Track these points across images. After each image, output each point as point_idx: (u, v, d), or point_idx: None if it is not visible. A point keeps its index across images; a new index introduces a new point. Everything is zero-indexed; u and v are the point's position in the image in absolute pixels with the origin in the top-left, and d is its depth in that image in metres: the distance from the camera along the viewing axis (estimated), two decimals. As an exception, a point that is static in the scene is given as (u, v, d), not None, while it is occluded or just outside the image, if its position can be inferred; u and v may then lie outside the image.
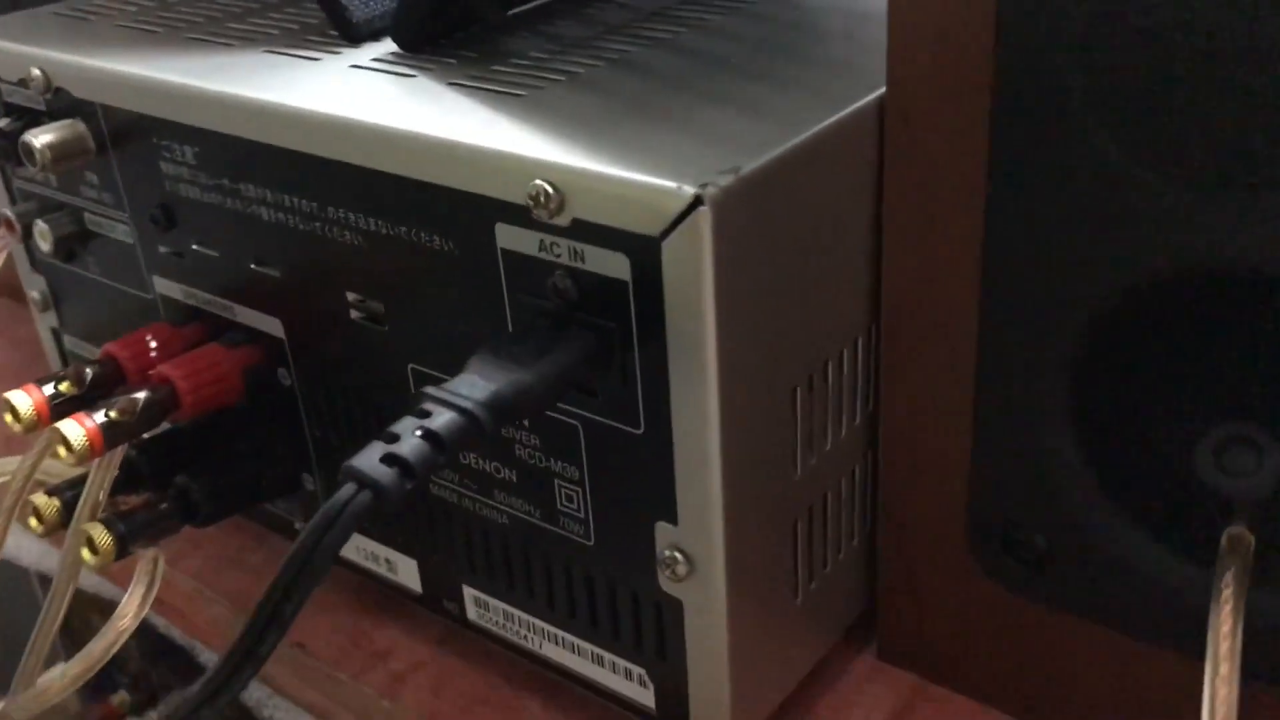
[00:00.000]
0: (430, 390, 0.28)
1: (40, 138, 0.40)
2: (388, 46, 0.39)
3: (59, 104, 0.41)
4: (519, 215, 0.30)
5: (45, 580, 0.54)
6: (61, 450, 0.37)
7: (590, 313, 0.30)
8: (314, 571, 0.26)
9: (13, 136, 0.42)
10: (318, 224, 0.35)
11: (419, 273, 0.33)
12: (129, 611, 0.38)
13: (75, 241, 0.44)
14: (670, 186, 0.27)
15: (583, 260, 0.29)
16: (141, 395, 0.38)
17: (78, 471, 0.41)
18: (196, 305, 0.41)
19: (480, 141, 0.30)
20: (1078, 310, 0.30)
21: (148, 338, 0.41)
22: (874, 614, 0.39)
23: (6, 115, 0.43)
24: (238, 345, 0.40)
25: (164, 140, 0.38)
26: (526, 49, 0.38)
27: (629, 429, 0.31)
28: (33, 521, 0.39)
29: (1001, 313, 0.31)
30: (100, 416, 0.37)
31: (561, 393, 0.30)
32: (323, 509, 0.26)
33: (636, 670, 0.35)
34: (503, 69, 0.36)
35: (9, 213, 0.45)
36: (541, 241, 0.30)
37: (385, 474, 0.26)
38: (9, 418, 0.38)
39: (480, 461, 0.35)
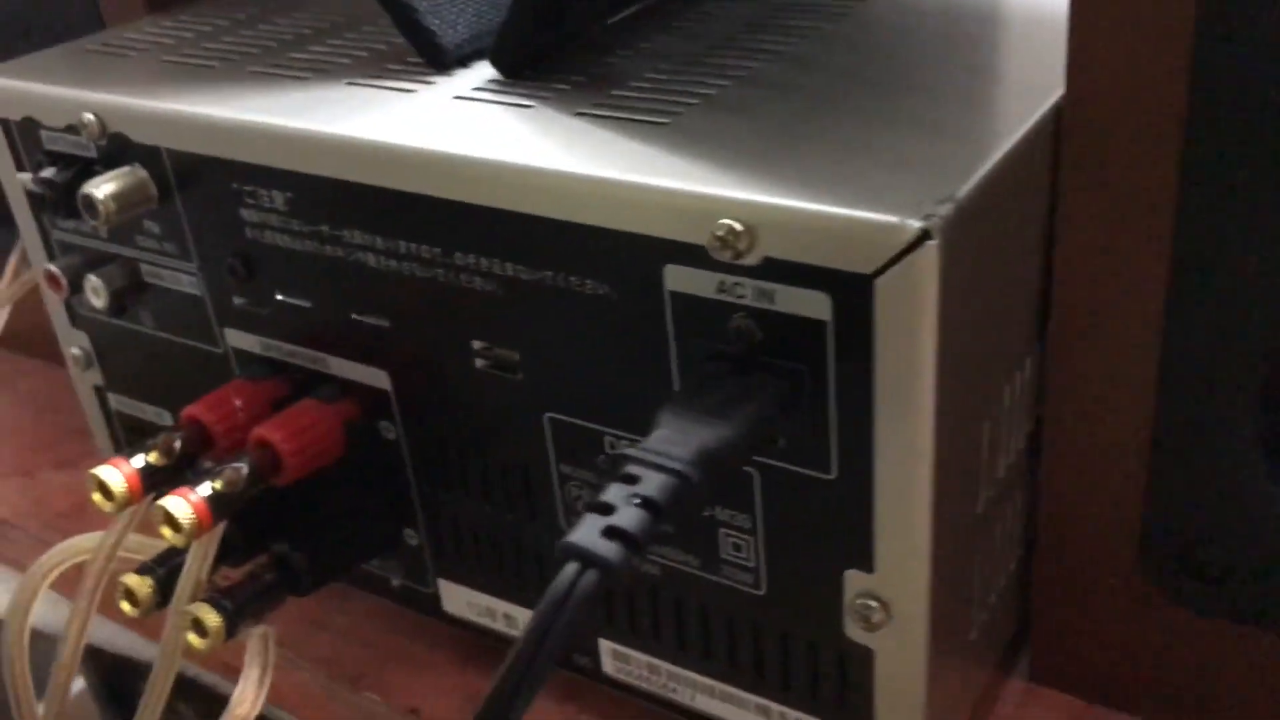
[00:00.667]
0: (632, 453, 0.26)
1: (102, 189, 0.37)
2: (484, 73, 0.36)
3: (113, 149, 0.38)
4: (693, 256, 0.28)
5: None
6: (166, 530, 0.34)
7: (777, 355, 0.28)
8: (543, 666, 0.24)
9: (63, 188, 0.39)
10: (440, 270, 0.33)
11: (564, 318, 0.31)
12: (247, 698, 0.35)
13: (129, 295, 0.41)
14: (890, 221, 0.25)
15: (771, 301, 0.27)
16: (244, 463, 0.35)
17: (156, 546, 0.38)
18: (279, 358, 0.38)
19: (649, 179, 0.28)
20: (1271, 328, 0.29)
21: (232, 398, 0.38)
22: (1020, 637, 0.38)
23: (51, 164, 0.40)
24: (334, 400, 0.37)
25: (246, 186, 0.36)
26: (638, 69, 0.35)
27: (818, 474, 0.29)
28: (125, 605, 0.36)
29: (1189, 332, 0.30)
30: (205, 489, 0.34)
31: (757, 442, 0.28)
32: (548, 595, 0.24)
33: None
34: (624, 93, 0.34)
35: (54, 269, 0.41)
36: (721, 283, 0.28)
37: (610, 549, 0.24)
38: (98, 496, 0.35)
39: (627, 512, 0.33)
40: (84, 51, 0.42)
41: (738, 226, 0.27)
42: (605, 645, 0.36)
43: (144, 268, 0.41)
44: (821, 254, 0.26)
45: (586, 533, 0.25)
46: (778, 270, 0.27)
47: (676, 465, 0.26)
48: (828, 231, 0.26)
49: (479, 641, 0.40)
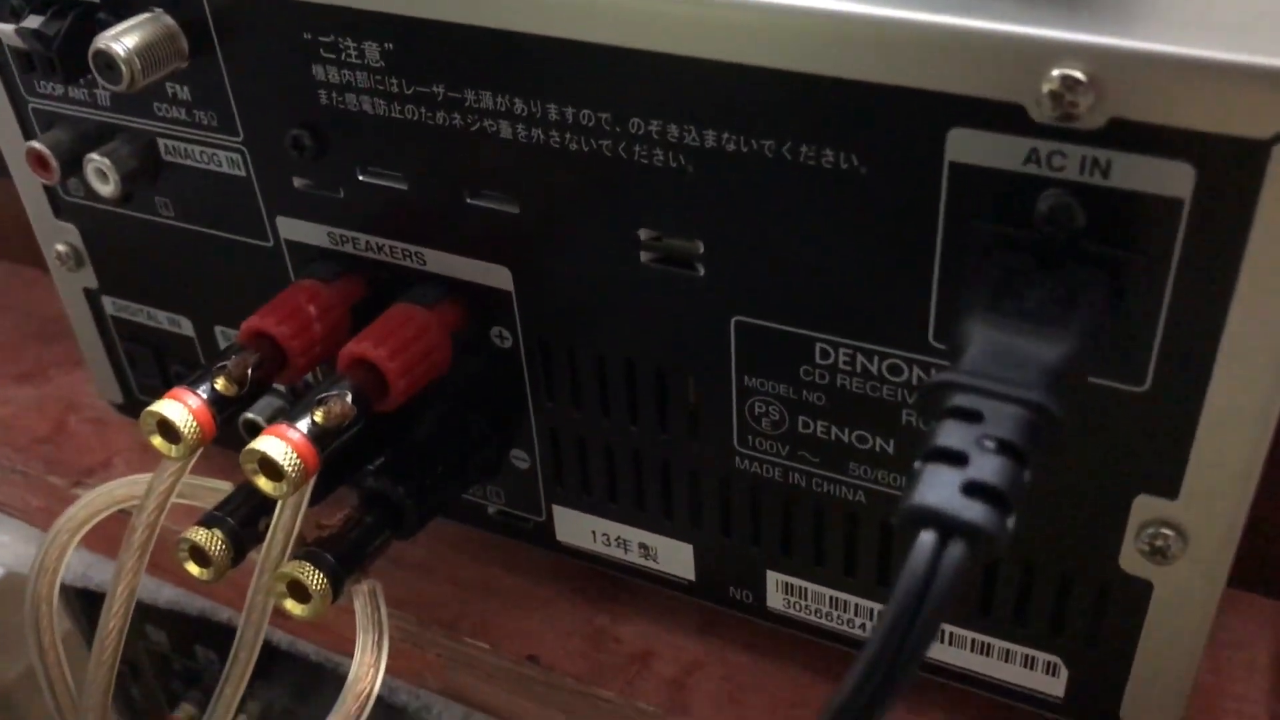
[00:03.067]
0: (963, 380, 0.20)
1: (122, 43, 0.29)
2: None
3: (126, -7, 0.30)
4: (993, 117, 0.22)
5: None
6: (263, 480, 0.27)
7: (1104, 243, 0.22)
8: (905, 670, 0.18)
9: (60, 41, 0.30)
10: (605, 142, 0.26)
11: (779, 200, 0.25)
12: (366, 673, 0.29)
13: (141, 177, 0.33)
14: (1310, 71, 0.19)
15: (1105, 174, 0.21)
16: (344, 389, 0.28)
17: (215, 490, 0.31)
18: (354, 253, 0.31)
19: (946, 17, 0.22)
20: None
21: (304, 304, 0.30)
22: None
23: (33, 7, 0.31)
24: (435, 303, 0.30)
25: (323, 35, 0.28)
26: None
27: (1125, 386, 0.24)
28: (192, 566, 0.30)
29: None
30: (304, 424, 0.27)
31: (1091, 356, 0.22)
32: (903, 580, 0.18)
33: (1045, 658, 0.29)
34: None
35: (41, 147, 0.33)
36: (1033, 151, 0.22)
37: (978, 512, 0.19)
38: (157, 440, 0.28)
39: (833, 431, 0.28)
40: None
41: (1080, 77, 0.21)
42: (774, 578, 0.31)
43: (163, 143, 0.32)
44: (1194, 114, 0.20)
45: (943, 492, 0.19)
46: (1122, 135, 0.21)
47: (1031, 395, 0.20)
48: (1209, 86, 0.20)
49: (595, 573, 0.34)
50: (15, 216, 0.47)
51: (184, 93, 0.31)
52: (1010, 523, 0.19)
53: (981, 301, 0.22)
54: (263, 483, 0.27)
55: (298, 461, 0.27)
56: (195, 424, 0.28)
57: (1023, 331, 0.21)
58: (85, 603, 0.48)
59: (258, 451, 0.26)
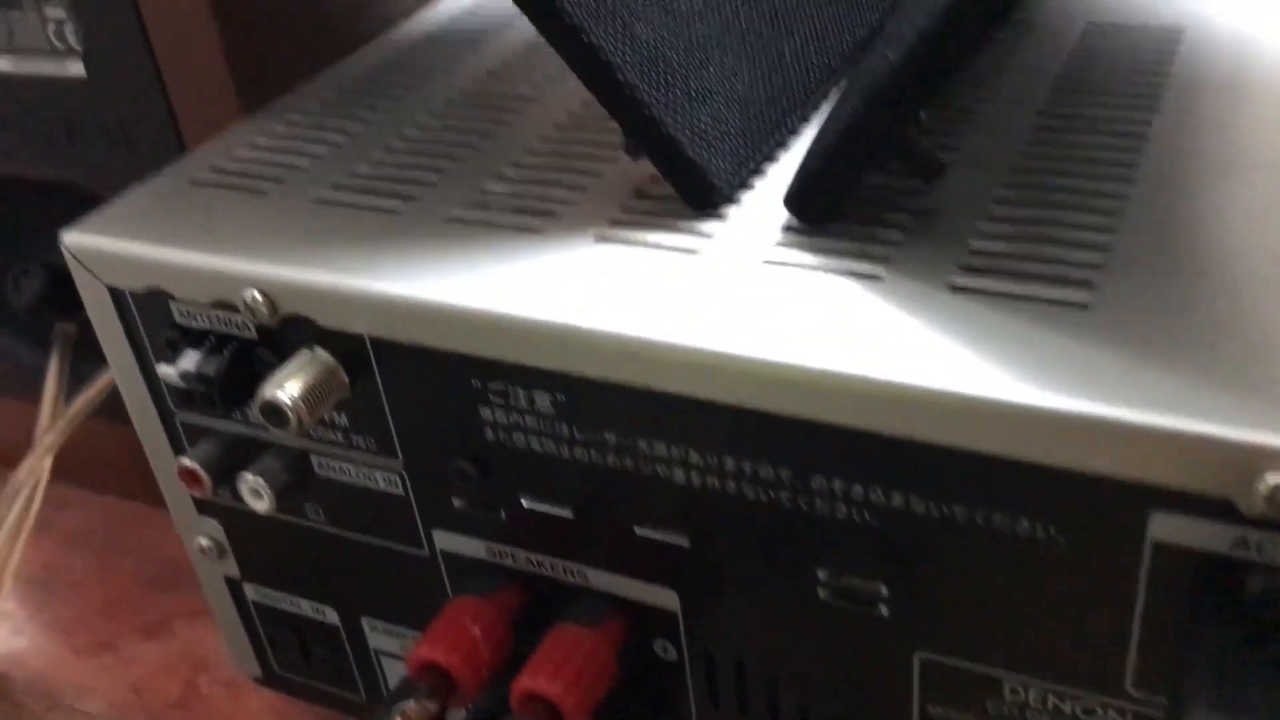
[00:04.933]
0: None
1: (288, 390, 0.29)
2: (765, 216, 0.29)
3: (285, 329, 0.30)
4: (1203, 506, 0.22)
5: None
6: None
7: (1312, 624, 0.22)
8: None
9: (222, 383, 0.31)
10: (785, 493, 0.26)
11: (969, 557, 0.25)
12: None
13: (293, 491, 0.33)
14: None
15: (1317, 562, 0.21)
16: (524, 731, 0.28)
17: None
18: (513, 567, 0.31)
19: (1140, 415, 0.22)
20: None
21: (468, 627, 0.31)
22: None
23: (189, 342, 0.31)
24: (599, 622, 0.30)
25: (493, 383, 0.28)
26: (976, 197, 0.29)
27: (1339, 746, 0.23)
28: None
29: None
30: (490, 775, 0.27)
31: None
32: None
33: None
34: (988, 246, 0.27)
35: (192, 464, 0.33)
36: (1243, 539, 0.22)
37: None
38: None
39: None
40: (195, 186, 0.34)
41: (1299, 485, 0.21)
42: None
43: (317, 459, 0.33)
44: None
45: None
46: (1339, 531, 0.21)
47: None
48: None
49: None
50: (128, 454, 0.48)
51: (342, 419, 0.31)
52: None
53: (1201, 682, 0.22)
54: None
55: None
56: (381, 776, 0.28)
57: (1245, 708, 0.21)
58: None
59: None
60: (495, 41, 0.42)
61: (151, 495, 0.49)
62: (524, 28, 0.42)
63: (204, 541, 0.37)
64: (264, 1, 0.38)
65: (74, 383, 0.46)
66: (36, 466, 0.45)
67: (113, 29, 0.37)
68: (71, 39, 0.38)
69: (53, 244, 0.47)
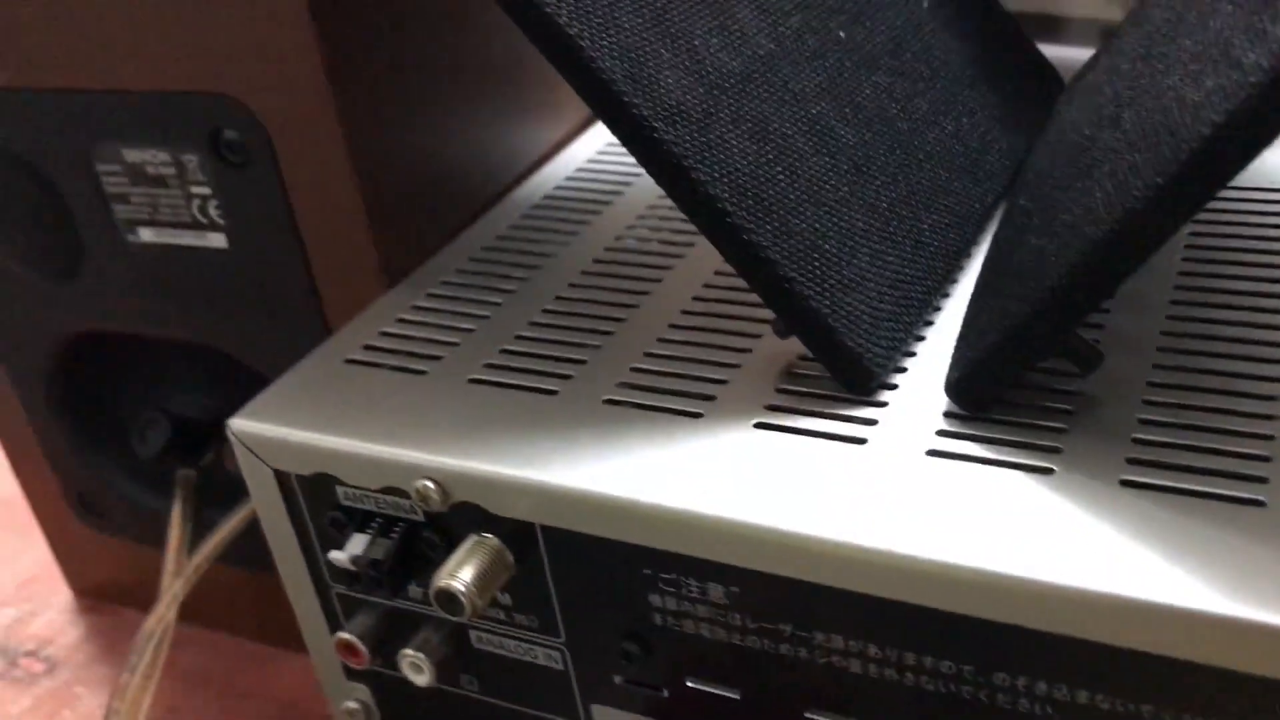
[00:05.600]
0: None
1: (460, 578, 0.30)
2: (925, 402, 0.30)
3: (454, 514, 0.31)
4: (1401, 714, 0.22)
5: None
6: None
7: None
8: None
9: (391, 567, 0.32)
10: (966, 687, 0.27)
11: (1157, 752, 0.25)
12: None
13: (450, 665, 0.34)
14: None
15: None
16: None
17: None
18: (673, 740, 0.32)
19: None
20: None
21: (635, 804, 0.31)
22: None
23: (354, 524, 0.32)
24: (764, 797, 0.31)
25: (665, 573, 0.29)
26: (1133, 395, 0.29)
27: None
28: None
29: None
30: None
31: None
32: None
33: None
34: (1152, 439, 0.28)
35: (352, 638, 0.34)
36: None
37: None
38: None
39: None
40: (348, 365, 0.35)
41: None
42: None
43: (475, 634, 0.33)
44: None
45: None
46: None
47: None
48: None
49: None
50: (247, 597, 0.49)
51: (505, 598, 0.32)
52: None
53: None
54: None
55: None
56: None
57: None
58: None
59: None
60: (620, 201, 0.43)
61: (270, 636, 0.50)
62: (646, 184, 0.44)
63: (352, 705, 0.38)
64: (406, 175, 0.39)
65: (195, 528, 0.47)
66: (164, 615, 0.46)
67: (258, 205, 0.38)
68: (215, 214, 0.39)
69: (175, 394, 0.48)
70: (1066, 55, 0.47)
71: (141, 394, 0.49)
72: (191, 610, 0.50)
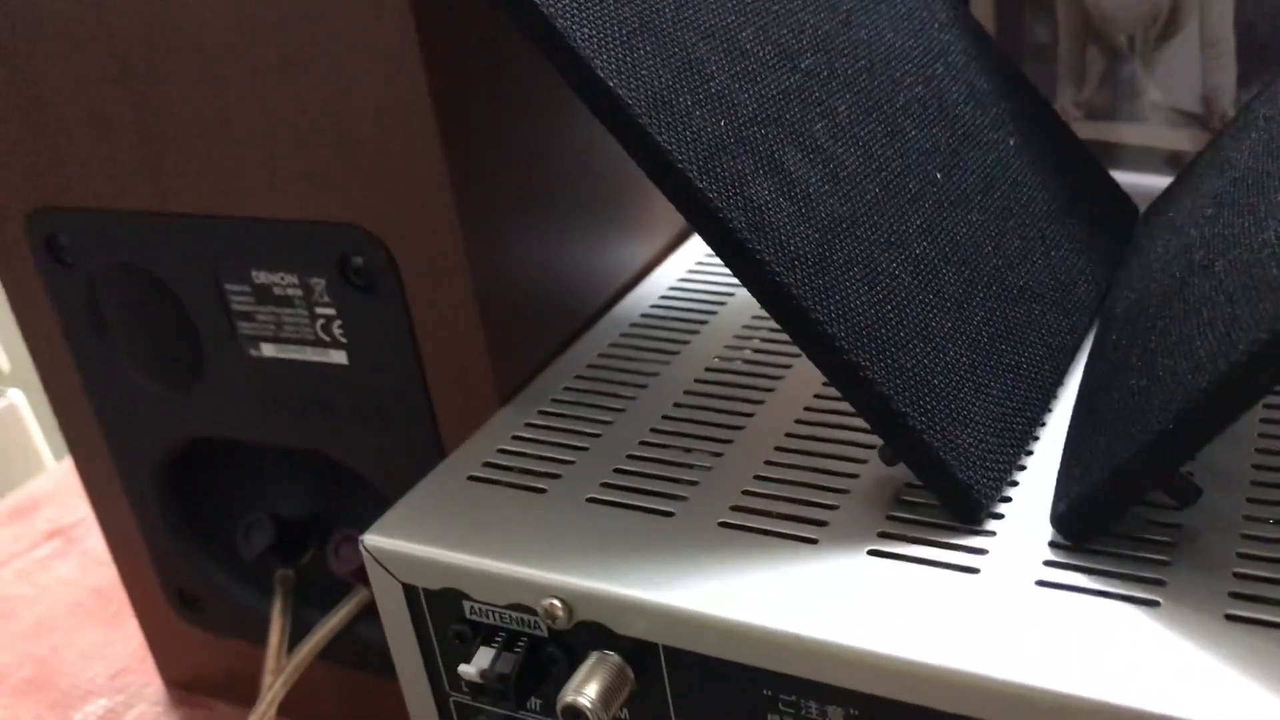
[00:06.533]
0: None
1: (586, 694, 0.32)
2: (1031, 531, 0.31)
3: (577, 631, 0.33)
4: None
5: None
6: None
7: None
8: None
9: (517, 681, 0.33)
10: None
11: None
12: None
13: (563, 768, 0.36)
14: None
15: None
16: None
17: None
18: None
19: None
20: None
21: None
22: None
23: (481, 639, 0.34)
24: None
25: (785, 694, 0.30)
26: (1232, 528, 0.31)
27: None
28: None
29: None
30: None
31: None
32: None
33: None
34: (1258, 574, 0.29)
35: (473, 746, 0.36)
36: None
37: None
38: None
39: None
40: (470, 482, 0.37)
41: None
42: None
43: (590, 743, 0.35)
44: None
45: None
46: None
47: None
48: None
49: None
50: (342, 694, 0.51)
51: (624, 713, 0.34)
52: None
53: None
54: None
55: None
56: None
57: None
58: None
59: None
60: (717, 320, 0.45)
61: (363, 734, 0.52)
62: (740, 301, 0.46)
63: (460, 808, 0.39)
64: (519, 295, 0.41)
65: (293, 626, 0.49)
66: (265, 713, 0.47)
67: (380, 326, 0.40)
68: (338, 333, 0.42)
69: (278, 497, 0.50)
70: (1130, 181, 0.49)
71: (246, 495, 0.51)
72: (287, 707, 0.52)
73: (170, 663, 0.57)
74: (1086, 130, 0.52)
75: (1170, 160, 0.52)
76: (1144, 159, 0.54)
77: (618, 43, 0.32)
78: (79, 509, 0.72)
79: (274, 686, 0.47)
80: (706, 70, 0.33)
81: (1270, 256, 0.29)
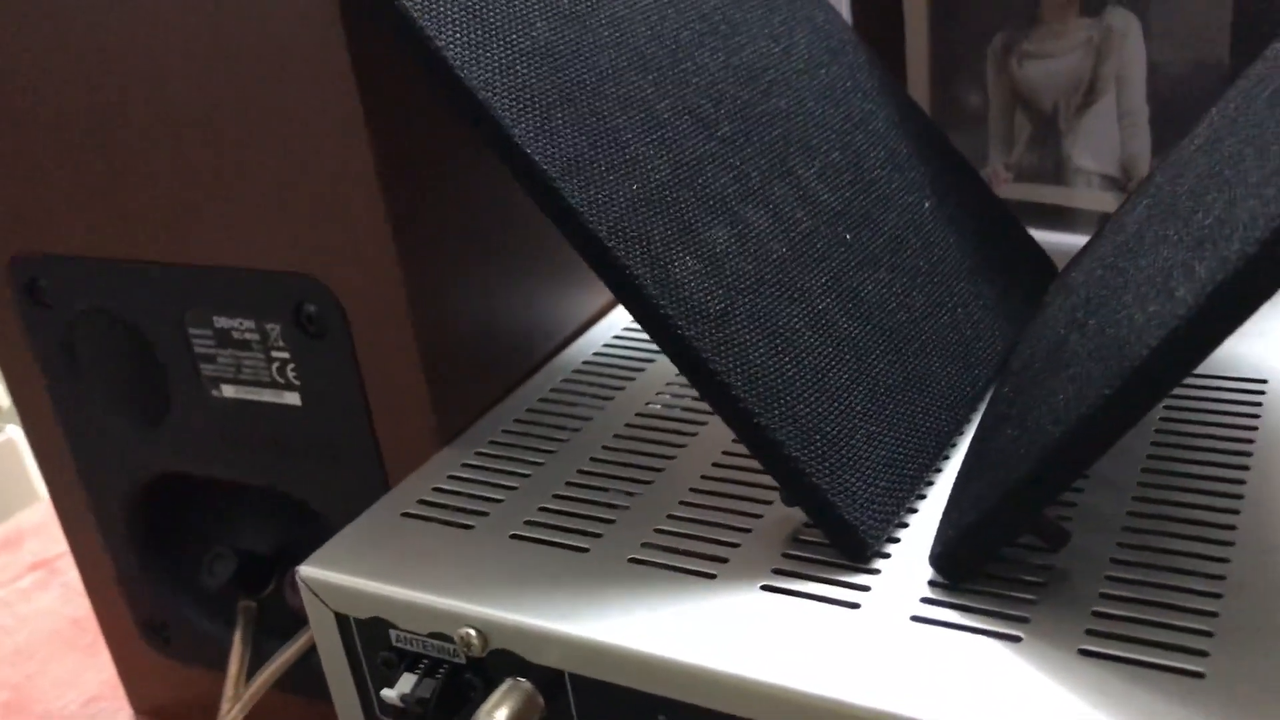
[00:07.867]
0: None
1: (494, 718, 0.34)
2: (912, 570, 0.34)
3: (492, 659, 0.35)
4: None
5: None
6: None
7: None
8: None
9: (435, 704, 0.35)
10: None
11: None
12: None
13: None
14: None
15: None
16: None
17: None
18: None
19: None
20: None
21: None
22: None
23: (404, 665, 0.36)
24: None
25: (678, 718, 0.33)
26: (1098, 571, 0.33)
27: None
28: None
29: None
30: None
31: None
32: None
33: None
34: (1119, 613, 0.31)
35: (399, 767, 0.38)
36: None
37: None
38: None
39: None
40: (404, 519, 0.39)
41: None
42: None
43: (508, 767, 0.37)
44: None
45: None
46: None
47: None
48: None
49: None
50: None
51: (535, 736, 0.36)
52: None
53: None
54: None
55: None
56: None
57: None
58: None
59: None
60: (651, 369, 0.48)
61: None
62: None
63: (392, 829, 0.41)
64: (461, 344, 0.44)
65: (253, 655, 0.51)
66: (223, 738, 0.50)
67: (330, 370, 0.43)
68: (291, 376, 0.44)
69: (242, 531, 0.53)
70: (1061, 241, 0.52)
71: (212, 528, 0.53)
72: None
73: (140, 691, 0.59)
74: (1017, 191, 0.55)
75: (1101, 221, 0.55)
76: (1076, 220, 0.57)
77: (536, 112, 0.35)
78: (64, 542, 0.74)
79: (231, 713, 0.50)
80: (622, 138, 0.36)
81: (1125, 318, 0.31)
